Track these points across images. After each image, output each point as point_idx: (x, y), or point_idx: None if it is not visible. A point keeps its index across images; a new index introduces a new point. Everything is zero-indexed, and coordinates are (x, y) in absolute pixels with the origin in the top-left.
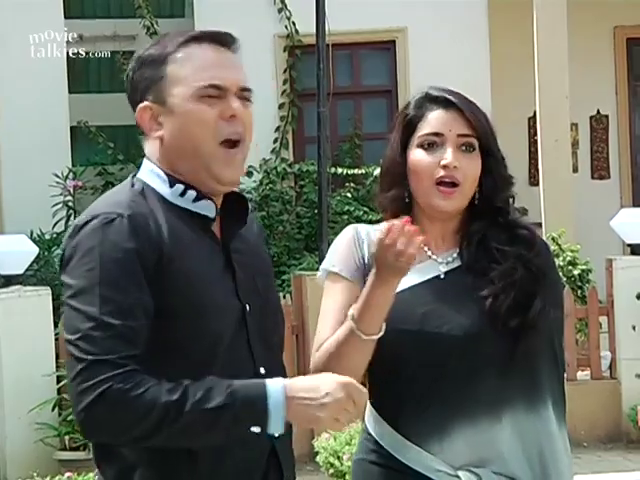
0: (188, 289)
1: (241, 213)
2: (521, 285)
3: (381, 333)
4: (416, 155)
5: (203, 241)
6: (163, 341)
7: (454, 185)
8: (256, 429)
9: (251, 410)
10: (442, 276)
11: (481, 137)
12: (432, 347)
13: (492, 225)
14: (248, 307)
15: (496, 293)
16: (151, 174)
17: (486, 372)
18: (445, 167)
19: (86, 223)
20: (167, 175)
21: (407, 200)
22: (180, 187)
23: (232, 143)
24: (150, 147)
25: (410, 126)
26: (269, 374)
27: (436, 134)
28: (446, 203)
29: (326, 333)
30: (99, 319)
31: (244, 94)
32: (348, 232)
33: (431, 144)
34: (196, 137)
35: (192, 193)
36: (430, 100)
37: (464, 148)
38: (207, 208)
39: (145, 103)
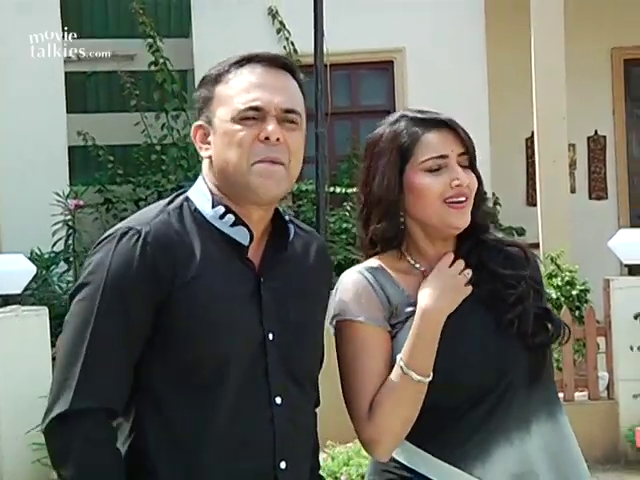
0: (200, 310)
1: (285, 241)
2: (534, 303)
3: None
4: (424, 180)
5: (234, 266)
6: (171, 362)
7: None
8: None
9: None
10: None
11: (470, 153)
12: (471, 373)
13: (481, 245)
14: (271, 335)
15: (519, 315)
16: (198, 192)
17: (518, 389)
18: (458, 186)
19: (107, 237)
20: (213, 195)
21: (402, 227)
22: (221, 209)
23: (268, 163)
24: (203, 165)
25: (406, 153)
26: (286, 405)
27: (441, 157)
28: (460, 219)
29: (369, 390)
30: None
31: (288, 116)
32: (357, 278)
33: (436, 167)
34: (231, 158)
35: (230, 217)
36: (419, 123)
37: (464, 165)
38: (241, 235)
39: (198, 122)
